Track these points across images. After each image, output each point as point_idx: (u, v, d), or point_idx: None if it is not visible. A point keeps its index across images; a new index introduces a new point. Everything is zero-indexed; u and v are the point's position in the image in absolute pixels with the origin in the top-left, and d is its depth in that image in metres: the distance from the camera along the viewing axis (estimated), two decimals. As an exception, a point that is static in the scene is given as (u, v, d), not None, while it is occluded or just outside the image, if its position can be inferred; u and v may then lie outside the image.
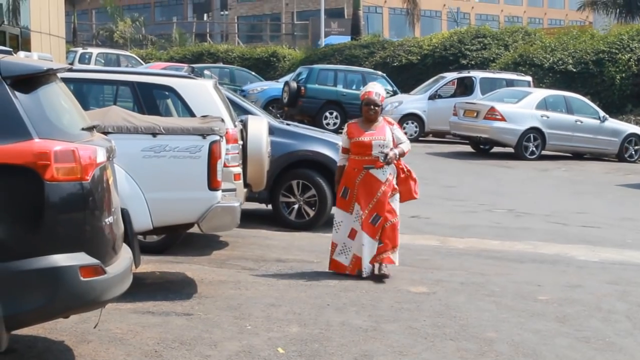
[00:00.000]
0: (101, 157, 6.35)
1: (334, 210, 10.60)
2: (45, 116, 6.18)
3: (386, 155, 10.05)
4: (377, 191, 10.12)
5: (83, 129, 6.60)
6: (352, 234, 10.24)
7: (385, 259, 10.20)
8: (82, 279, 5.97)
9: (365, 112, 10.26)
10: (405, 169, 10.46)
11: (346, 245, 10.26)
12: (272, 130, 12.66)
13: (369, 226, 10.12)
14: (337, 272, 10.26)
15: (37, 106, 6.15)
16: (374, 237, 10.13)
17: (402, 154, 10.28)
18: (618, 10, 46.28)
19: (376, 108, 10.21)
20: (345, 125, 10.50)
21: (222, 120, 9.71)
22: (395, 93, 31.11)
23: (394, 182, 10.27)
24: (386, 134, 10.19)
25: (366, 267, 10.15)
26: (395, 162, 10.24)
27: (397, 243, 10.29)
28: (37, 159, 5.87)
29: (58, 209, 5.97)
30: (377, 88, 10.46)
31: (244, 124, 11.41)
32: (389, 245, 10.19)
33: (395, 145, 10.23)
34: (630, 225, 15.50)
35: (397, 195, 10.33)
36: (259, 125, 11.58)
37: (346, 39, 48.89)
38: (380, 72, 32.87)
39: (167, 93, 11.48)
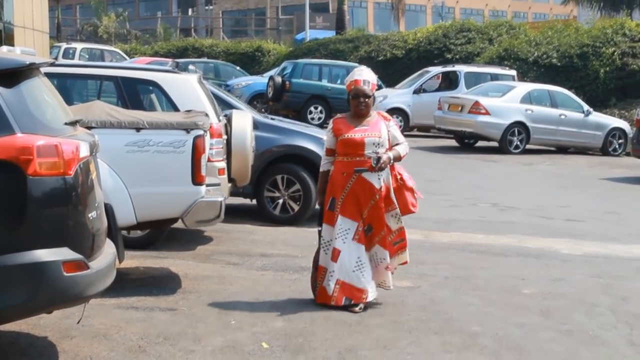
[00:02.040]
0: (84, 151, 6.34)
1: (322, 228, 8.67)
2: (28, 111, 6.16)
3: (379, 158, 8.35)
4: (371, 199, 8.52)
5: (66, 124, 6.59)
6: (335, 255, 8.51)
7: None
8: (65, 274, 5.96)
9: (354, 106, 8.55)
10: (399, 177, 8.71)
11: (328, 271, 8.57)
12: (256, 125, 12.65)
13: (364, 237, 8.61)
14: (324, 303, 8.58)
15: (20, 101, 6.13)
16: (368, 250, 8.65)
17: (397, 158, 8.59)
18: (602, 3, 46.40)
19: (367, 100, 8.49)
20: (330, 121, 8.76)
21: (206, 115, 9.70)
22: (380, 87, 31.07)
23: (392, 194, 8.64)
24: (381, 131, 8.51)
25: (372, 287, 8.66)
26: (389, 167, 8.59)
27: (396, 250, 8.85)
28: (20, 153, 5.86)
29: (41, 203, 5.96)
30: (366, 74, 8.66)
31: (228, 119, 11.38)
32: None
33: (391, 147, 8.57)
34: (614, 219, 15.55)
35: (396, 212, 8.67)
36: (243, 119, 11.56)
37: (328, 34, 48.84)
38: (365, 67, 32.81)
39: (151, 88, 11.45)
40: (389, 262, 8.71)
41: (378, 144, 8.46)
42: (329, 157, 8.67)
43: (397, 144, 8.64)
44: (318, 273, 8.67)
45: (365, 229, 8.55)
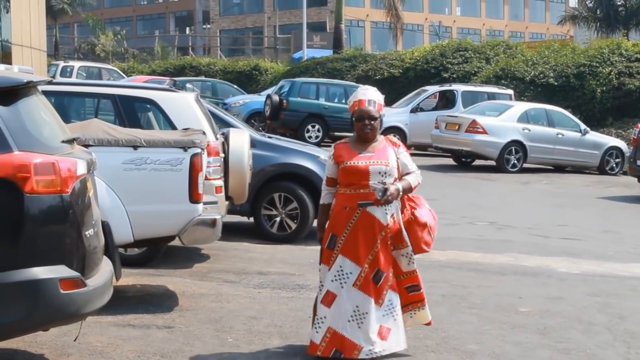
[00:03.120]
0: (81, 169, 6.35)
1: (320, 268, 7.54)
2: (26, 129, 6.17)
3: (385, 189, 7.20)
4: (378, 238, 7.35)
5: (63, 142, 6.60)
6: (329, 299, 7.35)
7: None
8: (62, 291, 5.96)
9: (358, 129, 7.46)
10: (410, 211, 7.58)
11: (318, 316, 7.41)
12: (253, 143, 12.65)
13: (372, 286, 7.35)
14: (311, 354, 7.46)
15: (17, 119, 6.15)
16: (378, 301, 7.36)
17: (407, 189, 7.46)
18: (598, 24, 46.53)
19: (372, 123, 7.42)
20: (332, 146, 7.68)
21: (204, 133, 9.71)
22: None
23: (403, 231, 7.52)
24: (389, 158, 7.41)
25: (375, 342, 7.35)
26: (398, 199, 7.45)
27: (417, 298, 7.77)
28: (17, 171, 5.87)
29: (38, 221, 5.96)
30: (371, 93, 7.61)
31: (226, 137, 11.40)
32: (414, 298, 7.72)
33: (400, 176, 7.47)
34: (611, 238, 15.54)
35: (407, 250, 7.56)
36: (241, 137, 11.58)
37: (326, 53, 48.92)
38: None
39: (148, 106, 11.46)
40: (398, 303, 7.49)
41: (385, 173, 7.31)
42: (331, 188, 7.52)
43: (407, 173, 7.50)
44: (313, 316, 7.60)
45: (373, 275, 7.30)
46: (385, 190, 7.20)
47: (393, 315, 7.42)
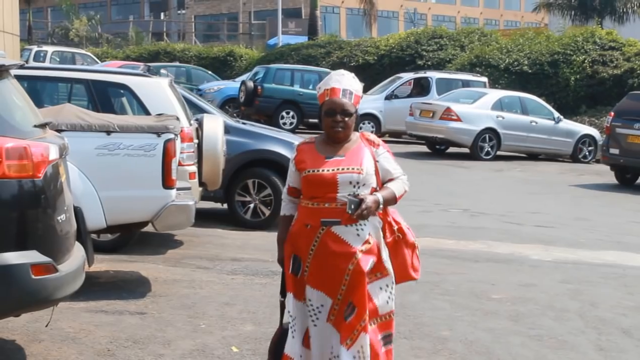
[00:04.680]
0: (54, 154, 6.31)
1: (287, 298, 5.97)
2: (-3, 113, 6.12)
3: (359, 201, 5.56)
4: (348, 265, 5.70)
5: (35, 126, 6.56)
6: (307, 340, 5.91)
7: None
8: (33, 277, 5.93)
9: (328, 126, 5.82)
10: (396, 228, 5.94)
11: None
12: (227, 129, 12.62)
13: (342, 322, 5.78)
14: None
15: (-11, 103, 6.10)
16: (346, 341, 5.72)
17: (390, 200, 5.79)
18: (573, 12, 46.58)
19: (346, 119, 5.78)
20: (295, 147, 6.08)
21: (177, 119, 9.68)
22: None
23: (383, 254, 5.84)
24: (364, 163, 5.75)
25: None
26: (377, 214, 5.79)
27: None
28: (-12, 156, 5.82)
29: (9, 206, 5.93)
30: (347, 81, 5.93)
31: (200, 123, 11.38)
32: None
33: (381, 185, 5.83)
34: (583, 225, 15.63)
35: (388, 280, 5.86)
36: (215, 124, 11.56)
37: (301, 39, 48.86)
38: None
39: (122, 91, 11.41)
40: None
41: (358, 183, 5.69)
42: (293, 199, 5.95)
43: (390, 180, 5.87)
44: None
45: (346, 309, 5.74)
46: (360, 202, 5.55)
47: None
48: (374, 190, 5.76)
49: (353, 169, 5.72)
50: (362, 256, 5.71)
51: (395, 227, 5.95)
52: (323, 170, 5.72)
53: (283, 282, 6.07)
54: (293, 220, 5.91)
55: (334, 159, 5.77)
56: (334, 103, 5.80)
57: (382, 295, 5.84)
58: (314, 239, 5.76)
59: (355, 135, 5.92)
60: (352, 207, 5.54)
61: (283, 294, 6.04)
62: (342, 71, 6.08)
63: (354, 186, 5.68)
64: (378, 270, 5.81)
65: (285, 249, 5.95)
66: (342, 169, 5.72)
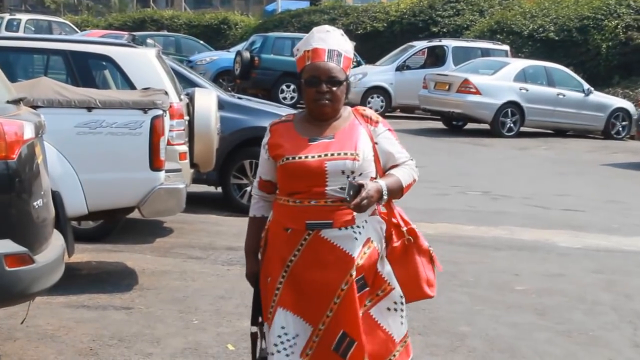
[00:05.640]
0: (29, 133, 6.30)
1: (264, 328, 5.15)
2: (-34, 87, 6.13)
3: (359, 186, 4.74)
4: (343, 281, 4.89)
5: (8, 102, 6.55)
6: None
7: None
8: (7, 268, 5.93)
9: (310, 99, 4.95)
10: (406, 229, 5.12)
11: None
12: (222, 105, 12.62)
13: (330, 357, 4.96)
14: None
15: (-44, 76, 6.10)
16: None
17: (396, 190, 4.95)
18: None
19: (334, 89, 4.90)
20: (268, 127, 5.19)
21: (166, 93, 9.67)
22: (359, 64, 31.09)
23: (384, 266, 5.05)
24: (359, 145, 4.93)
25: None
26: (379, 208, 5.03)
27: None
28: (-44, 135, 5.82)
29: (-20, 191, 5.93)
30: (333, 39, 5.01)
31: (191, 98, 11.38)
32: None
33: (382, 172, 5.03)
34: (616, 209, 15.62)
35: (395, 297, 5.06)
36: (208, 99, 11.56)
37: (302, 5, 48.82)
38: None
39: (104, 63, 11.40)
40: None
41: (353, 173, 4.88)
42: (266, 195, 5.18)
43: (394, 166, 5.06)
44: None
45: (336, 343, 4.93)
46: (360, 187, 4.73)
47: None
48: (372, 179, 4.95)
49: (346, 154, 4.90)
50: (362, 268, 4.92)
51: (405, 229, 5.13)
52: (307, 157, 4.90)
53: (256, 306, 5.17)
54: (267, 222, 5.11)
55: (320, 142, 4.95)
56: (317, 68, 4.93)
57: (394, 318, 5.08)
58: (295, 248, 4.93)
59: (346, 111, 5.07)
60: (352, 193, 4.70)
61: (255, 320, 5.20)
62: (326, 27, 5.18)
63: (348, 176, 4.86)
64: (379, 286, 5.02)
65: (261, 269, 5.12)
66: (332, 155, 4.90)
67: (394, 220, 5.10)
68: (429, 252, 5.17)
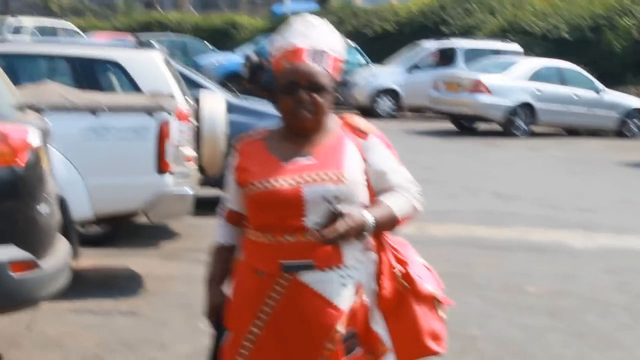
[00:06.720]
0: (34, 138, 6.33)
1: None
2: (-30, 93, 6.16)
3: (335, 215, 3.84)
4: (326, 339, 3.99)
5: (14, 108, 6.58)
6: None
7: None
8: (12, 274, 5.96)
9: (287, 109, 4.08)
10: (400, 270, 4.19)
11: None
12: (229, 108, 12.64)
13: None
14: None
15: (-40, 81, 6.13)
16: None
17: (387, 222, 4.04)
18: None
19: (316, 97, 4.01)
20: (233, 147, 4.37)
21: (173, 97, 9.70)
22: (366, 64, 31.08)
23: (373, 319, 4.13)
24: (344, 165, 4.03)
25: None
26: (365, 243, 4.08)
27: None
28: (-39, 140, 5.86)
29: (-15, 196, 5.96)
30: (318, 35, 4.12)
31: (198, 101, 11.40)
32: None
33: (373, 198, 4.09)
34: (630, 209, 15.59)
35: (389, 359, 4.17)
36: (215, 102, 11.57)
37: (310, 6, 48.84)
38: (351, 43, 32.88)
39: (110, 67, 11.43)
40: None
41: (338, 199, 3.96)
42: (233, 227, 4.36)
43: (387, 189, 4.11)
44: None
45: None
46: (334, 216, 3.85)
47: None
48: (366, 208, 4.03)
49: (328, 175, 4.00)
50: (350, 320, 4.02)
51: (398, 271, 4.18)
52: (278, 182, 4.01)
53: (215, 353, 4.35)
54: (234, 254, 4.29)
55: (297, 162, 4.05)
56: (295, 72, 4.04)
57: None
58: (266, 294, 4.02)
59: (333, 122, 4.16)
60: (326, 220, 3.84)
61: None
62: (310, 18, 4.22)
63: (330, 201, 3.96)
64: (372, 347, 4.13)
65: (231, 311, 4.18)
66: (311, 178, 4.00)
67: (384, 255, 4.16)
68: (432, 298, 4.24)
